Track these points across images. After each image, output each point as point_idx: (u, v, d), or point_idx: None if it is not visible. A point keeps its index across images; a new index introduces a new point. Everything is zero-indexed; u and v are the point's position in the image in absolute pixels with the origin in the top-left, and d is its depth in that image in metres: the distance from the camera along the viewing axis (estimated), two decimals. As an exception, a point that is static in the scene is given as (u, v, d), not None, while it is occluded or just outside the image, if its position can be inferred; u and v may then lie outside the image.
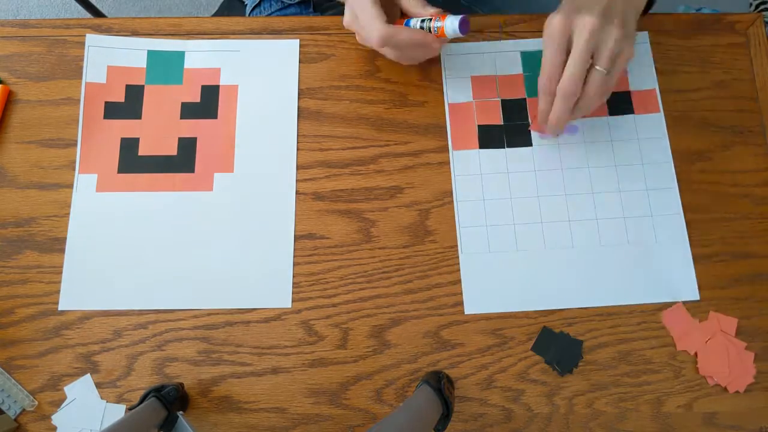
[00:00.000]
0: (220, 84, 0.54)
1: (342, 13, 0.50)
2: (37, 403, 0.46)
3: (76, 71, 0.54)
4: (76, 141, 0.52)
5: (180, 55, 0.54)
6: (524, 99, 0.54)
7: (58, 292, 0.49)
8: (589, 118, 0.53)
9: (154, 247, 0.50)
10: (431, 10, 0.47)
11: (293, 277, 0.49)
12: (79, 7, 1.04)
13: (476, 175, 0.52)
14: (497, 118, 0.53)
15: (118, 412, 0.46)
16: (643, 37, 0.55)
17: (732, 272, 0.50)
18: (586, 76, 0.44)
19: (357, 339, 0.48)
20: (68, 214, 0.50)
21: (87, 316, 0.48)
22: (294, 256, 0.50)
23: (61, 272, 0.49)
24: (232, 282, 0.49)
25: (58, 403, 0.47)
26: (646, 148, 0.52)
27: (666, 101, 0.54)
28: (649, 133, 0.53)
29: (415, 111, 0.54)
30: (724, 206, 0.51)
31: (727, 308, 0.49)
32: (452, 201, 0.51)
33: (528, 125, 0.53)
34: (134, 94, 0.53)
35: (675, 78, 0.54)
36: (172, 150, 0.52)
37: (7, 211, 0.50)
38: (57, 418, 0.46)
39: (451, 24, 0.45)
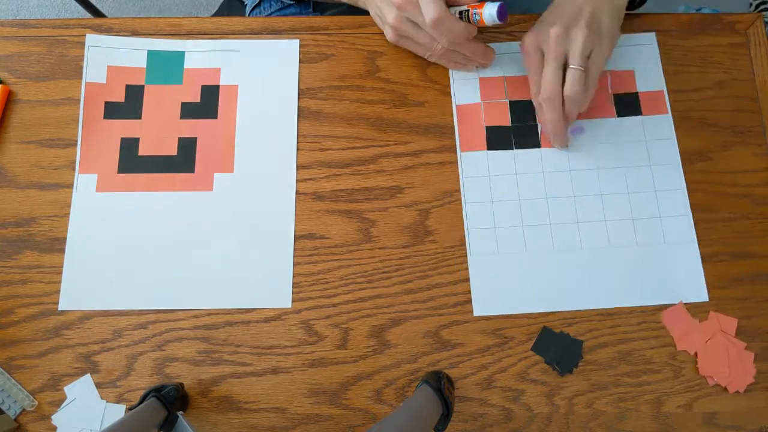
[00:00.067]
0: (220, 84, 0.54)
1: (342, 13, 0.50)
2: (37, 403, 0.46)
3: (76, 71, 0.54)
4: (76, 141, 0.52)
5: (180, 55, 0.54)
6: (532, 100, 0.54)
7: (58, 292, 0.49)
8: (596, 119, 0.53)
9: (154, 247, 0.50)
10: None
11: (293, 277, 0.49)
12: (79, 7, 1.05)
13: (484, 176, 0.52)
14: (505, 120, 0.53)
15: (118, 412, 0.46)
16: (650, 38, 0.55)
17: (732, 272, 0.50)
18: (565, 77, 0.47)
19: (357, 339, 0.48)
20: (68, 214, 0.50)
21: (87, 316, 0.48)
22: (294, 256, 0.50)
23: (61, 272, 0.49)
24: (232, 282, 0.49)
25: (58, 403, 0.47)
26: (654, 150, 0.52)
27: (666, 101, 0.54)
28: (657, 135, 0.53)
29: (415, 111, 0.54)
30: (724, 206, 0.51)
31: (727, 308, 0.49)
32: (452, 201, 0.51)
33: (536, 127, 0.53)
34: (134, 94, 0.53)
35: (675, 78, 0.54)
36: (172, 150, 0.52)
37: (7, 211, 0.50)
38: (57, 418, 0.46)
39: (489, 12, 0.45)
